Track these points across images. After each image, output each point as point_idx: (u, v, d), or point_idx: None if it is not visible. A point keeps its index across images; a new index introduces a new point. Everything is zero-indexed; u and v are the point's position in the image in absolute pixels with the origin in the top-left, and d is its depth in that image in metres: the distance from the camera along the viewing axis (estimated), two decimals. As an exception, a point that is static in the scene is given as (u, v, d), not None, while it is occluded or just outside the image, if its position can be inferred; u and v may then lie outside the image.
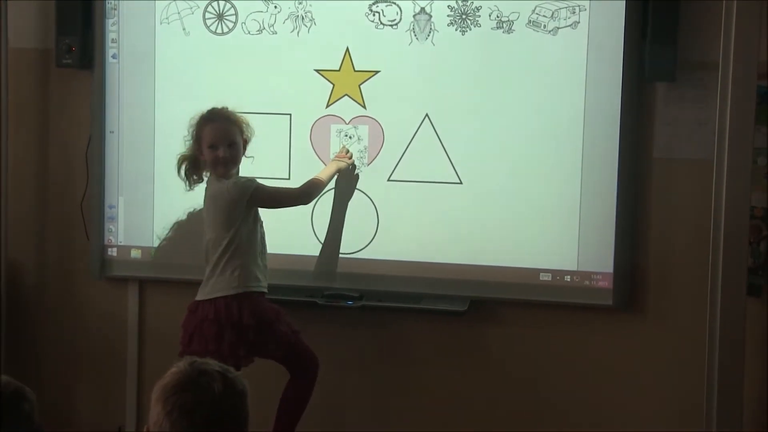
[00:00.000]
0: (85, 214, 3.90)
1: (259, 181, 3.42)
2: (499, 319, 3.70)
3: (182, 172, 3.46)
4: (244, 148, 3.45)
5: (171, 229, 3.83)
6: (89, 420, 4.02)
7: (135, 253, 3.89)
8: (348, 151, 3.67)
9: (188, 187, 3.51)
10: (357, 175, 3.68)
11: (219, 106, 3.44)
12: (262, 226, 3.45)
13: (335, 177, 3.64)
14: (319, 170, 3.60)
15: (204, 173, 3.45)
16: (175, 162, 3.48)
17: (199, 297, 3.37)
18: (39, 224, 4.03)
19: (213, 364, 1.93)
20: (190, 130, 3.43)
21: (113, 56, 3.85)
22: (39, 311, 4.05)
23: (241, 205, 3.33)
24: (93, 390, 4.04)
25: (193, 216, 3.73)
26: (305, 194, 3.49)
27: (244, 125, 3.44)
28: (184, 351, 3.25)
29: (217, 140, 3.35)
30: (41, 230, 4.03)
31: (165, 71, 3.82)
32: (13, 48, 3.87)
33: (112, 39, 3.84)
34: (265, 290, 3.40)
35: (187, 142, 3.45)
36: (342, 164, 3.64)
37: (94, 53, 3.83)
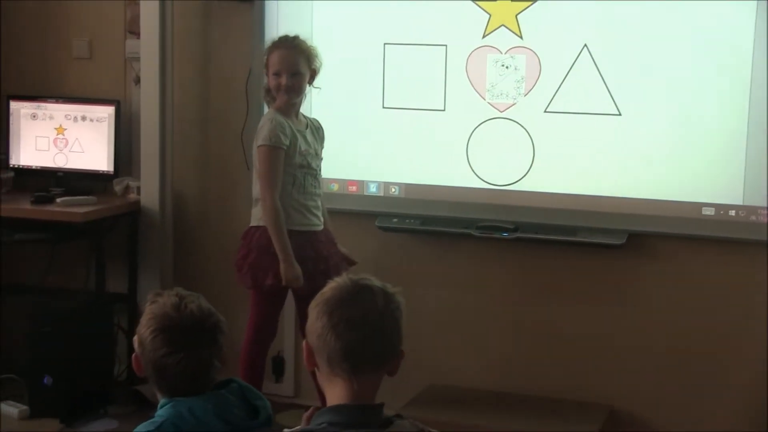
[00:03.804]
0: (245, 144, 4.00)
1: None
2: (658, 254, 3.62)
3: (264, 99, 3.49)
4: (312, 79, 3.43)
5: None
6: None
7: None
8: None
9: None
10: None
11: (291, 34, 3.44)
12: (305, 171, 3.38)
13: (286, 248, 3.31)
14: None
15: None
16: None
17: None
18: (202, 154, 4.16)
19: (374, 280, 1.96)
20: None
21: (272, -10, 3.91)
22: (202, 239, 4.19)
23: None
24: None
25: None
26: (265, 209, 3.30)
27: (312, 56, 3.40)
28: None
29: (282, 68, 3.36)
30: (204, 160, 4.16)
31: (322, 5, 3.85)
32: (177, -18, 3.98)
33: (272, -27, 3.89)
34: (299, 229, 3.35)
35: None
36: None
37: (254, -13, 3.90)
